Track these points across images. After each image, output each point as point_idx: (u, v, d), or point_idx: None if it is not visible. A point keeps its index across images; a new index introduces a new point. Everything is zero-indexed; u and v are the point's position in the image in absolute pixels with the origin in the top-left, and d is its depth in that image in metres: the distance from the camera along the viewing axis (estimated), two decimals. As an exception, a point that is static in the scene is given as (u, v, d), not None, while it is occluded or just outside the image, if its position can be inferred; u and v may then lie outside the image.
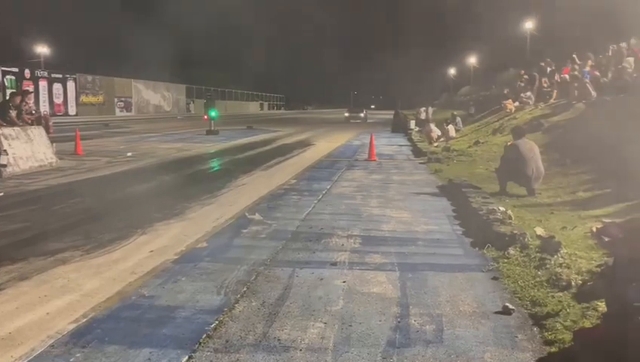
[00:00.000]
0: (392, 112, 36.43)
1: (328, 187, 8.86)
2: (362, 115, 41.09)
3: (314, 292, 3.89)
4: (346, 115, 41.27)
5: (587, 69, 16.56)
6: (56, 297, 3.84)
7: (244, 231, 5.79)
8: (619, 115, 10.14)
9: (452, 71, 78.20)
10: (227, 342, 3.11)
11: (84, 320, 3.42)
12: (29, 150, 10.45)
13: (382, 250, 5.04)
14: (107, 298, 3.80)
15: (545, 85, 19.80)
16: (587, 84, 14.16)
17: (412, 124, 25.97)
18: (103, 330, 3.26)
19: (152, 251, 5.02)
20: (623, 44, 16.28)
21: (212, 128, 21.71)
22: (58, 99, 35.64)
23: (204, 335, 3.19)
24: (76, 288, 4.02)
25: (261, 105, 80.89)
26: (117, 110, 43.22)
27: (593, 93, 13.76)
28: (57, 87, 35.56)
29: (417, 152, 15.34)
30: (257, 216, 6.45)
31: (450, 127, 19.32)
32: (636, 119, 8.79)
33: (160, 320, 3.41)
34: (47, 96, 34.29)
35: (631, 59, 13.79)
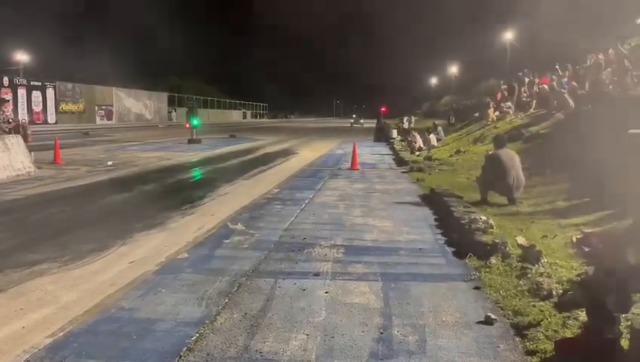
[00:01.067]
0: (375, 121, 36.88)
1: (311, 196, 8.83)
2: (361, 121, 58.54)
3: (296, 304, 3.86)
4: (352, 121, 58.42)
5: (565, 79, 16.87)
6: (32, 310, 3.75)
7: (226, 241, 5.73)
8: (596, 125, 10.32)
9: (434, 80, 79.17)
10: (208, 355, 3.07)
11: (61, 333, 3.34)
12: (7, 159, 10.26)
13: (365, 260, 5.03)
14: (85, 311, 3.72)
15: (524, 95, 20.12)
16: (565, 95, 14.41)
17: (394, 133, 26.14)
18: (80, 344, 3.19)
19: (131, 262, 4.94)
20: (601, 56, 16.62)
21: (194, 137, 21.57)
22: (37, 107, 35.14)
23: (185, 348, 3.14)
24: (53, 301, 3.94)
25: (244, 114, 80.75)
26: (97, 118, 42.77)
27: (571, 103, 14.01)
28: (36, 95, 35.07)
29: (399, 161, 15.42)
30: (239, 226, 6.41)
31: (432, 136, 19.47)
32: (613, 129, 8.95)
33: (139, 333, 3.35)
34: (25, 104, 33.78)
35: (609, 71, 14.07)
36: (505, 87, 24.81)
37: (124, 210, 7.48)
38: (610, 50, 16.80)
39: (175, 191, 9.40)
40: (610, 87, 12.26)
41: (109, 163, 13.41)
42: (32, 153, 11.50)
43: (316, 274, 4.56)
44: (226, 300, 3.92)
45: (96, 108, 42.83)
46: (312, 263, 4.91)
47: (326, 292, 4.11)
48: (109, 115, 44.58)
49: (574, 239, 2.66)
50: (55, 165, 12.55)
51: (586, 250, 2.58)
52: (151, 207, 7.73)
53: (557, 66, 18.98)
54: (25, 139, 11.37)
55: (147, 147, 19.40)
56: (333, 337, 3.30)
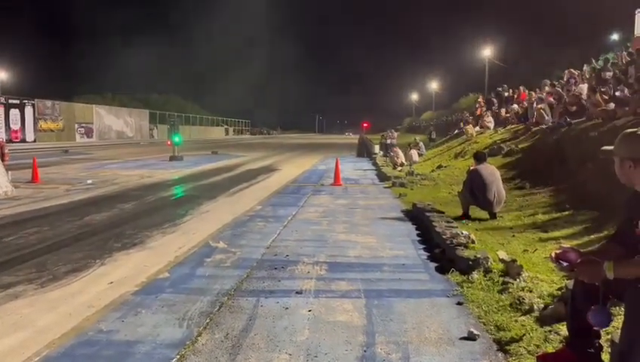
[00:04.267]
0: (357, 136, 37.27)
1: (294, 213, 8.81)
2: (352, 134, 70.49)
3: (279, 323, 3.82)
4: (346, 134, 74.59)
5: (543, 95, 17.20)
6: (7, 335, 3.65)
7: (208, 259, 5.67)
8: (575, 139, 10.52)
9: (414, 96, 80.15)
10: (189, 377, 3.01)
11: (37, 358, 3.25)
12: (-17, 179, 10.05)
13: (348, 277, 5.01)
14: (62, 334, 3.63)
15: (503, 110, 20.45)
16: (542, 110, 14.68)
17: (376, 148, 26.31)
18: (56, 369, 3.11)
19: (111, 283, 4.85)
20: (576, 72, 17.00)
21: (176, 154, 21.43)
22: (15, 126, 34.63)
23: (165, 371, 3.08)
24: (29, 324, 3.84)
25: (226, 130, 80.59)
26: (77, 136, 42.28)
27: (547, 118, 14.27)
28: (15, 113, 34.57)
29: (382, 177, 15.48)
30: (221, 244, 6.35)
31: (414, 152, 19.62)
32: (590, 143, 9.13)
33: (118, 357, 3.27)
34: (3, 122, 33.28)
35: (584, 86, 14.40)
36: (480, 100, 25.22)
37: (104, 230, 7.36)
38: (584, 67, 17.21)
39: (156, 210, 9.29)
40: (588, 102, 12.51)
41: (89, 181, 13.22)
42: (10, 172, 11.30)
43: (299, 292, 4.53)
44: (208, 320, 3.86)
45: (76, 126, 42.37)
46: (295, 281, 4.87)
47: (309, 311, 4.07)
48: (89, 133, 44.12)
49: (553, 254, 2.68)
50: (33, 184, 12.35)
51: (565, 264, 2.60)
52: (131, 225, 7.63)
53: (543, 82, 19.31)
54: (2, 158, 11.17)
55: (128, 165, 19.21)
56: (316, 356, 3.27)
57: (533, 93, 18.52)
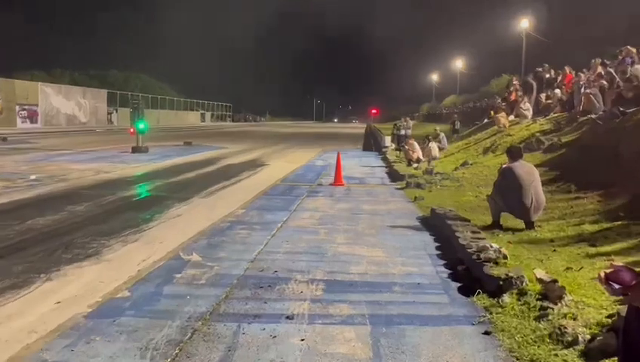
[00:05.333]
0: (364, 126, 37.43)
1: (285, 218, 8.84)
2: (359, 123, 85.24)
3: (264, 354, 3.83)
4: (353, 122, 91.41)
5: (593, 77, 17.20)
6: None
7: (178, 275, 5.68)
8: (632, 132, 10.52)
9: (435, 77, 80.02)
10: (153, 420, 3.02)
11: (-35, 396, 3.26)
12: None
13: (350, 299, 5.03)
14: (-4, 366, 3.64)
15: (544, 95, 20.45)
16: (592, 96, 14.69)
17: (387, 140, 26.34)
18: (-11, 409, 3.11)
19: (58, 302, 4.86)
20: (634, 49, 17.00)
21: (140, 144, 21.45)
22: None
23: (123, 412, 3.09)
24: (-44, 353, 3.84)
25: (202, 116, 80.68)
26: (18, 120, 42.25)
27: (598, 106, 14.29)
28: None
29: (393, 175, 15.53)
30: (195, 257, 6.37)
31: (433, 145, 19.65)
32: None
33: (66, 394, 3.28)
34: None
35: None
36: (515, 83, 25.22)
37: (50, 237, 7.37)
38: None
39: (115, 213, 9.31)
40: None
41: (32, 177, 13.24)
42: None
43: (290, 317, 4.55)
44: (177, 351, 3.87)
45: (16, 108, 42.30)
46: (285, 303, 4.89)
47: (302, 340, 4.09)
48: (32, 117, 44.07)
49: (602, 274, 2.68)
50: (-37, 180, 12.35)
51: (617, 287, 2.61)
52: (84, 232, 7.64)
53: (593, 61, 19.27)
54: None
55: (81, 157, 19.22)
56: (309, 396, 3.28)
57: (581, 75, 18.55)
